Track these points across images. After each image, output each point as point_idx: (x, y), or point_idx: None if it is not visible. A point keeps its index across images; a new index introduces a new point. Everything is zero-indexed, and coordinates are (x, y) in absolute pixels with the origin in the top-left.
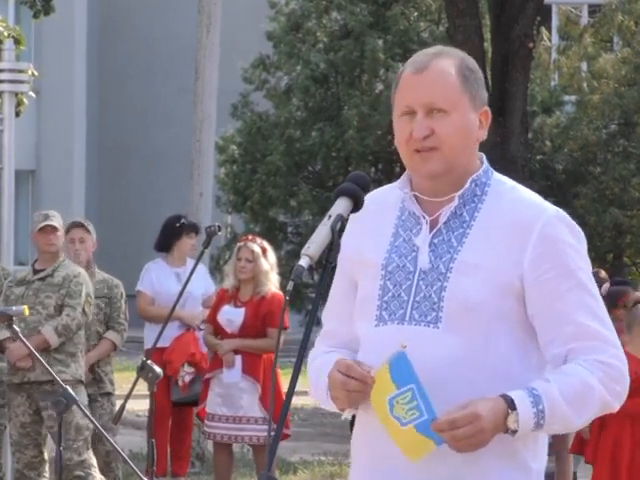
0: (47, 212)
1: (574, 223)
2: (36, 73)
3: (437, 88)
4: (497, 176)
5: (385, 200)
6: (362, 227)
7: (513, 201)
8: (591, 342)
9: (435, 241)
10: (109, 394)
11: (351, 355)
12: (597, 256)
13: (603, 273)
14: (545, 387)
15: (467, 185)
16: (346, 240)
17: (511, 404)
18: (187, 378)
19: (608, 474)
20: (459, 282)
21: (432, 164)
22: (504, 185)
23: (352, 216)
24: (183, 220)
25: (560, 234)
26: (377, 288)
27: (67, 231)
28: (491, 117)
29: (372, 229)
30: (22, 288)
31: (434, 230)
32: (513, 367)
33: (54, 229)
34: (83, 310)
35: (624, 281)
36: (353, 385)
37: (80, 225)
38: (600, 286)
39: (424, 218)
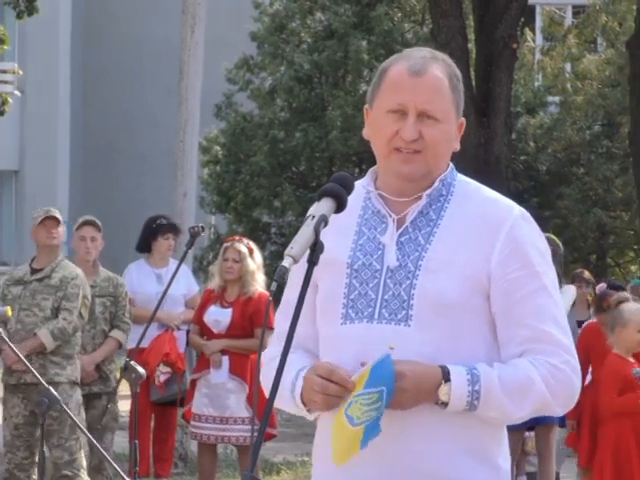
0: (47, 207)
1: (537, 225)
2: (21, 72)
3: (434, 97)
4: (461, 177)
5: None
6: (326, 230)
7: (480, 201)
8: (545, 346)
9: (402, 239)
10: (114, 392)
11: (308, 356)
12: (580, 257)
13: (587, 273)
14: (486, 370)
15: (436, 184)
16: None
17: (446, 375)
18: (162, 378)
19: (612, 472)
20: (428, 280)
21: (413, 167)
22: (469, 185)
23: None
24: (159, 221)
25: (527, 235)
26: (342, 286)
27: (77, 228)
28: (475, 118)
29: (334, 228)
30: (19, 288)
31: (401, 229)
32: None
33: (57, 222)
34: (80, 313)
35: (619, 285)
36: (333, 389)
37: (92, 223)
38: (587, 286)
39: (390, 216)
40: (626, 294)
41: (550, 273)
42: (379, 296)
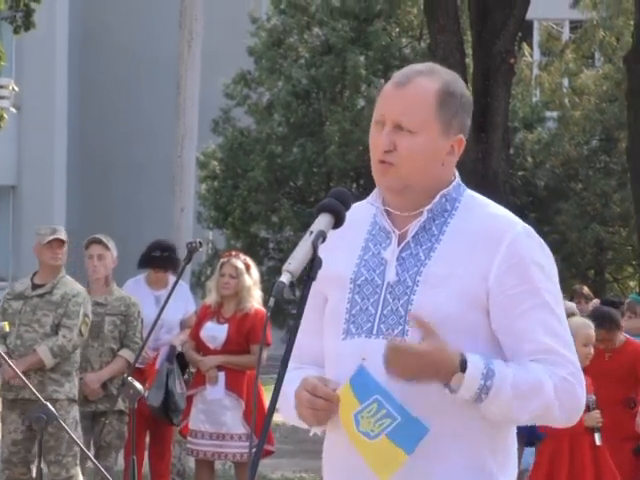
0: (54, 226)
1: (543, 242)
2: (17, 88)
3: (409, 108)
4: (470, 192)
5: (357, 215)
6: (334, 243)
7: (483, 216)
8: (552, 357)
9: (403, 255)
10: (120, 412)
11: (319, 371)
12: (578, 272)
13: (586, 289)
14: (502, 368)
15: (437, 200)
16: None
17: (463, 366)
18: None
19: None
20: (425, 295)
21: (388, 179)
22: (475, 200)
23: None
24: (155, 252)
25: (528, 251)
26: (345, 301)
27: (86, 247)
28: (472, 133)
29: (343, 244)
30: (20, 303)
31: (402, 244)
32: None
33: (62, 243)
34: (80, 331)
35: (613, 301)
36: (319, 404)
37: (99, 242)
38: (586, 302)
39: (394, 232)
40: (572, 306)
41: (553, 290)
42: (378, 311)
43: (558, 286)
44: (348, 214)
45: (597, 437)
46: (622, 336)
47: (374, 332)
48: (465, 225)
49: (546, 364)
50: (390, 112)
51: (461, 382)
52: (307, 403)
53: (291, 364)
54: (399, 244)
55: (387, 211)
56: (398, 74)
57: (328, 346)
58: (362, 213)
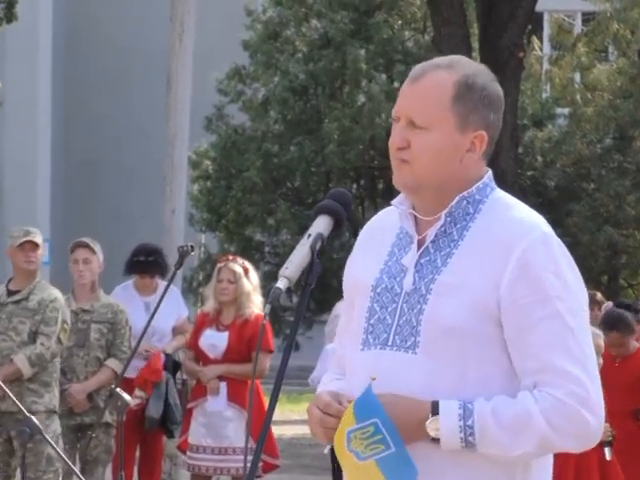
0: (28, 228)
1: (564, 249)
2: None
3: (421, 103)
4: (497, 194)
5: (390, 219)
6: (365, 250)
7: (504, 220)
8: (551, 378)
9: (422, 261)
10: (107, 424)
11: None
12: (591, 277)
13: (599, 295)
14: (481, 405)
15: (454, 203)
16: (349, 264)
17: (435, 409)
18: (133, 403)
19: None
20: (437, 304)
21: (402, 176)
22: (499, 203)
23: (359, 240)
24: (138, 257)
25: (541, 258)
26: (365, 310)
27: (71, 251)
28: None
29: (373, 249)
30: None
31: (421, 249)
32: (493, 393)
33: (35, 246)
34: (58, 338)
35: (628, 304)
36: (330, 422)
37: (85, 245)
38: (599, 309)
39: (414, 236)
40: None
41: (570, 300)
42: (395, 321)
43: (580, 296)
44: (382, 220)
45: (607, 451)
46: (635, 343)
47: (389, 343)
48: (485, 229)
49: (544, 386)
50: (404, 108)
51: (438, 427)
52: (318, 421)
53: (333, 373)
54: (419, 249)
55: (415, 216)
56: (415, 68)
57: (349, 356)
58: (394, 217)
